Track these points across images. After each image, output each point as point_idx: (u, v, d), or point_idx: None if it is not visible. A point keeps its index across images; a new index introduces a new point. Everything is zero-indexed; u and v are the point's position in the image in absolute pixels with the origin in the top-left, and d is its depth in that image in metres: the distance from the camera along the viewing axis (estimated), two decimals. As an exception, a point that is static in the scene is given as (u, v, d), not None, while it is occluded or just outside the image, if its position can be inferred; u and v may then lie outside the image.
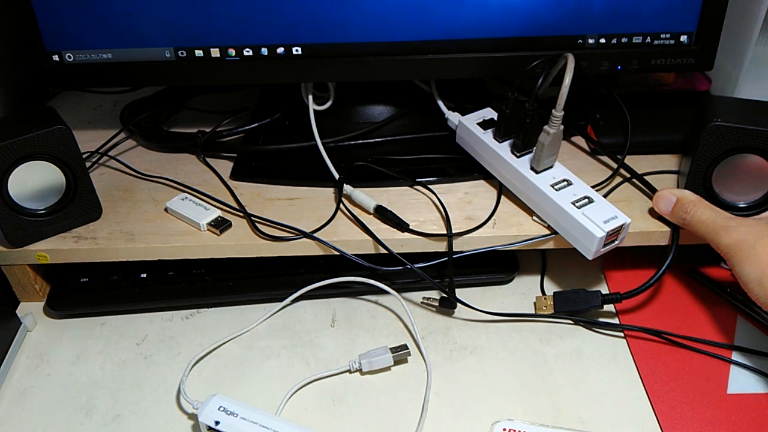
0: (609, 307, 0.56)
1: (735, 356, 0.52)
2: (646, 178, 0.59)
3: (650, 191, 0.58)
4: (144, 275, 0.58)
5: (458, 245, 0.55)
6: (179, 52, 0.58)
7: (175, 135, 0.67)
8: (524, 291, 0.59)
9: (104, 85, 0.59)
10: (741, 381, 0.50)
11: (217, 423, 0.45)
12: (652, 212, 0.56)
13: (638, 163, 0.61)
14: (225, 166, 0.63)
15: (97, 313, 0.57)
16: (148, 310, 0.58)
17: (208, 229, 0.56)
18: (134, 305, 0.58)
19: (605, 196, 0.57)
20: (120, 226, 0.56)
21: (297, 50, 0.58)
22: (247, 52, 0.58)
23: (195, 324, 0.57)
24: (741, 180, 0.52)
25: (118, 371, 0.53)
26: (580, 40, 0.58)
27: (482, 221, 0.56)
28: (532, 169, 0.55)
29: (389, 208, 0.56)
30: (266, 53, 0.58)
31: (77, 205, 0.55)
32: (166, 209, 0.58)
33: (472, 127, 0.59)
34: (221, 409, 0.46)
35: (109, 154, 0.65)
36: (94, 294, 0.57)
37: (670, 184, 0.59)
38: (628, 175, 0.60)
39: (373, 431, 0.48)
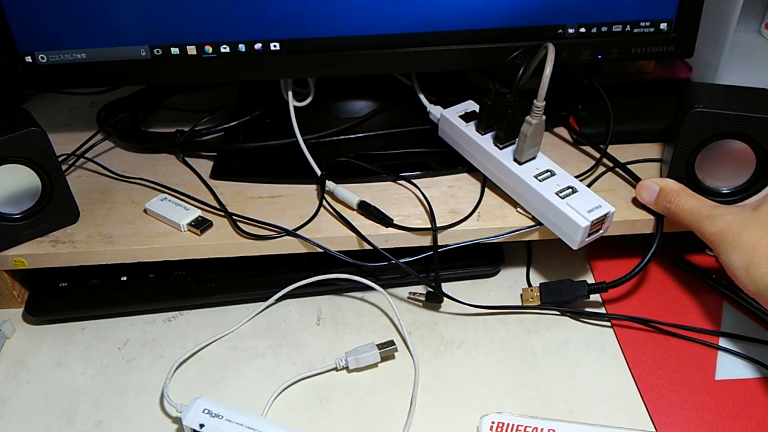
0: (595, 297, 0.56)
1: (722, 342, 0.52)
2: (629, 167, 0.59)
3: (634, 180, 0.57)
4: (124, 278, 0.57)
5: (443, 239, 0.54)
6: (155, 51, 0.57)
7: (153, 135, 0.66)
8: (510, 283, 0.59)
9: (79, 85, 0.58)
10: (729, 367, 0.50)
11: (201, 426, 0.44)
12: (636, 201, 0.56)
13: (621, 152, 0.61)
14: (205, 166, 0.62)
15: (78, 318, 0.56)
16: (129, 313, 0.57)
17: (189, 230, 0.55)
18: (115, 309, 0.56)
19: (589, 186, 0.57)
20: (98, 229, 0.55)
21: (275, 46, 0.57)
22: (224, 48, 0.57)
23: (177, 326, 0.56)
24: (724, 166, 0.52)
25: (99, 377, 0.52)
26: (560, 30, 0.57)
27: (466, 214, 0.55)
28: (515, 160, 0.54)
29: (373, 204, 0.55)
30: (244, 50, 0.57)
31: (54, 208, 0.54)
32: (145, 210, 0.57)
33: (454, 120, 0.58)
34: (206, 411, 0.45)
35: (86, 156, 0.64)
36: (74, 299, 0.56)
37: (653, 172, 0.59)
38: (611, 165, 0.60)
39: (361, 430, 0.47)
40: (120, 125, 0.66)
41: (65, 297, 0.56)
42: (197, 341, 0.54)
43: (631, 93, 0.67)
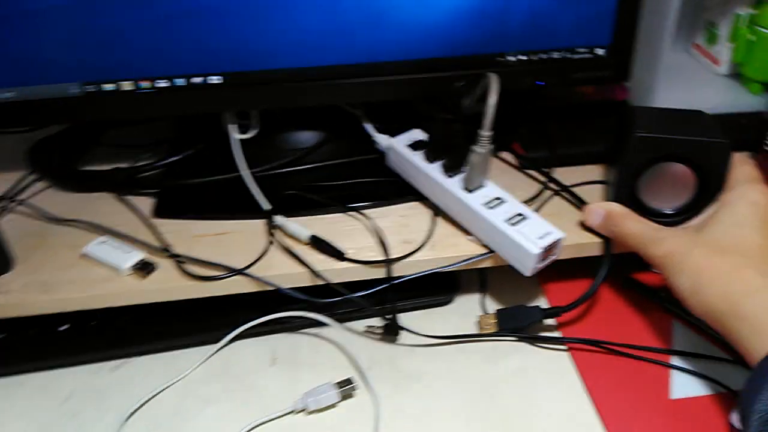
0: (551, 321, 0.57)
1: (674, 360, 0.53)
2: (574, 189, 0.60)
3: (579, 203, 0.58)
4: (64, 327, 0.54)
5: (397, 270, 0.54)
6: (87, 87, 0.54)
7: (90, 174, 0.63)
8: (466, 311, 0.58)
9: (7, 126, 0.55)
10: (682, 385, 0.51)
11: None
12: (583, 224, 0.56)
13: (566, 175, 0.62)
14: (146, 204, 0.60)
15: (15, 373, 0.53)
16: (71, 364, 0.54)
17: (131, 274, 0.52)
18: (56, 360, 0.53)
19: (537, 210, 0.58)
20: (35, 277, 0.52)
21: (215, 79, 0.55)
22: (162, 83, 0.55)
23: (124, 375, 0.53)
24: (666, 187, 0.54)
25: (41, 435, 0.49)
26: (500, 58, 0.58)
27: (420, 244, 0.55)
28: (464, 189, 0.54)
29: (324, 238, 0.54)
30: (182, 84, 0.55)
31: (-16, 258, 0.51)
32: (83, 255, 0.54)
33: (402, 149, 0.58)
34: None
35: (18, 198, 0.60)
36: (11, 351, 0.53)
37: (597, 194, 0.60)
38: (557, 188, 0.61)
39: (323, 474, 0.46)
40: (53, 164, 0.63)
41: (1, 350, 0.52)
42: (146, 390, 0.51)
43: (572, 115, 0.68)
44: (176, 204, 0.59)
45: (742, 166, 0.52)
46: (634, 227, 0.52)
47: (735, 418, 0.47)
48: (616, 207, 0.53)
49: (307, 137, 0.64)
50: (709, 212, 0.52)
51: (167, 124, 0.70)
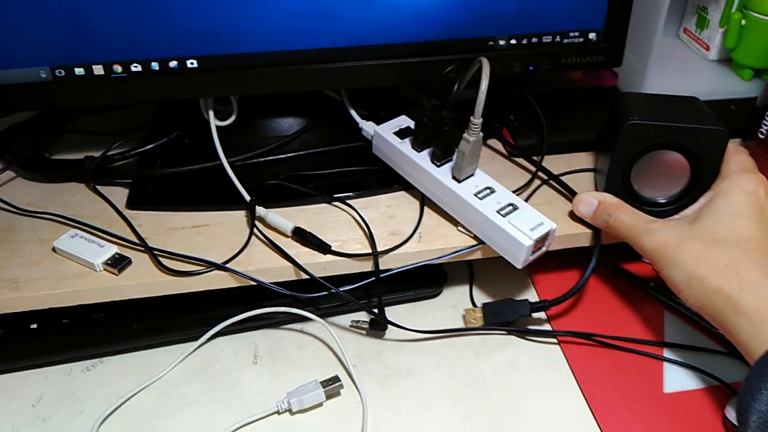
0: (540, 314, 0.55)
1: (667, 353, 0.52)
2: (563, 178, 0.58)
3: (569, 192, 0.57)
4: (35, 326, 0.51)
5: (384, 263, 0.52)
6: (57, 72, 0.51)
7: (60, 163, 0.60)
8: (454, 304, 0.57)
9: (-29, 112, 0.52)
10: (676, 378, 0.50)
11: None
12: (574, 214, 0.55)
13: (555, 163, 0.60)
14: (119, 194, 0.57)
15: (-19, 375, 0.50)
16: (42, 364, 0.51)
17: (105, 269, 0.50)
18: (26, 361, 0.51)
19: (527, 200, 0.56)
20: (2, 273, 0.49)
21: (192, 63, 0.53)
22: (136, 67, 0.52)
23: (98, 375, 0.51)
24: (659, 176, 0.52)
25: (11, 441, 0.46)
26: (491, 42, 0.56)
27: (407, 236, 0.53)
28: (453, 178, 0.53)
29: (308, 229, 0.52)
30: (157, 68, 0.52)
31: (-54, 254, 0.48)
32: (54, 249, 0.51)
33: (388, 137, 0.56)
34: None
35: (-17, 189, 0.57)
36: (-24, 353, 0.50)
37: (587, 182, 0.59)
38: (546, 177, 0.59)
39: (309, 477, 0.44)
40: (21, 153, 0.60)
41: (-35, 352, 0.50)
42: (122, 391, 0.49)
43: (561, 102, 0.66)
44: (152, 195, 0.56)
45: (736, 155, 0.51)
46: (626, 217, 0.50)
47: (730, 412, 0.46)
48: (609, 197, 0.52)
49: (289, 124, 0.62)
50: (703, 202, 0.51)
51: (142, 110, 0.67)
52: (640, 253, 0.49)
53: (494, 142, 0.64)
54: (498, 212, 0.50)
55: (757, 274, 0.43)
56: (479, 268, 0.59)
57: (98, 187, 0.57)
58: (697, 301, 0.45)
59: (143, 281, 0.49)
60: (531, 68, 0.57)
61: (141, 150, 0.59)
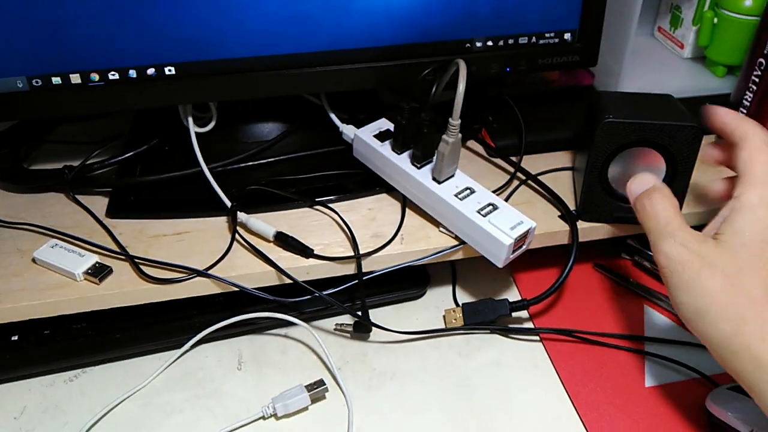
0: (522, 312, 0.56)
1: (648, 347, 0.53)
2: (541, 177, 0.59)
3: (546, 192, 0.57)
4: (15, 337, 0.51)
5: (367, 265, 0.52)
6: (33, 81, 0.51)
7: (39, 173, 0.59)
8: (437, 304, 0.57)
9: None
10: (656, 372, 0.51)
11: None
12: (552, 212, 0.56)
13: (533, 162, 0.61)
14: (99, 204, 0.57)
15: (-38, 388, 0.50)
16: (24, 376, 0.51)
17: (86, 279, 0.49)
18: (7, 373, 0.50)
19: (506, 200, 0.56)
20: (-20, 285, 0.49)
21: (170, 70, 0.53)
22: (113, 75, 0.52)
23: (81, 386, 0.50)
24: (635, 173, 0.53)
25: (-7, 454, 0.46)
26: (468, 44, 0.57)
27: (389, 238, 0.53)
28: (433, 179, 0.53)
29: (290, 234, 0.52)
30: (135, 75, 0.52)
31: None
32: (33, 260, 0.51)
33: (368, 140, 0.56)
34: None
35: (-40, 201, 0.57)
36: (-44, 366, 0.49)
37: (565, 181, 0.59)
38: (525, 177, 0.59)
39: (296, 481, 0.44)
40: (-2, 163, 0.59)
41: (-55, 365, 0.49)
42: (105, 401, 0.49)
43: (538, 102, 0.67)
44: (132, 203, 0.56)
45: (760, 155, 0.43)
46: (659, 207, 0.44)
47: (710, 404, 0.47)
48: (661, 184, 0.47)
49: (269, 129, 0.62)
50: (725, 214, 0.43)
51: (121, 118, 0.66)
52: (653, 254, 0.44)
53: (473, 144, 0.64)
54: (478, 212, 0.51)
55: None
56: (462, 269, 0.60)
57: (78, 197, 0.57)
58: (705, 336, 0.40)
59: (124, 290, 0.49)
60: (508, 69, 0.58)
61: (120, 158, 0.58)
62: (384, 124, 0.58)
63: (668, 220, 0.43)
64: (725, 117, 0.47)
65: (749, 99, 0.60)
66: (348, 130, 0.58)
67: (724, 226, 0.42)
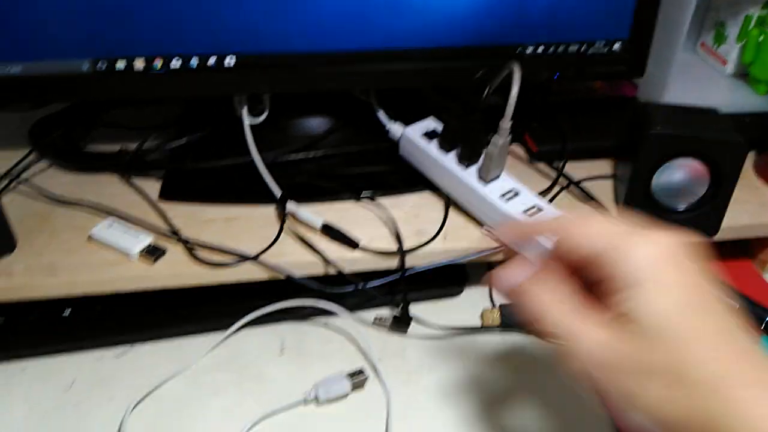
0: (559, 315, 0.56)
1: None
2: (583, 185, 0.60)
3: (588, 198, 0.58)
4: (68, 312, 0.52)
5: (409, 260, 0.53)
6: (98, 65, 0.53)
7: (95, 154, 0.61)
8: (474, 304, 0.58)
9: (12, 102, 0.53)
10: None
11: None
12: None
13: (574, 168, 0.62)
14: (151, 187, 0.58)
15: (17, 357, 0.51)
16: (74, 350, 0.52)
17: (141, 258, 0.51)
18: (58, 346, 0.52)
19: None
20: (39, 259, 0.51)
21: (230, 60, 0.54)
22: (176, 63, 0.54)
23: (129, 362, 0.52)
24: (679, 184, 0.54)
25: (45, 422, 0.47)
26: (519, 49, 0.58)
27: (432, 235, 0.54)
28: (480, 179, 0.54)
29: (335, 225, 0.54)
30: (196, 64, 0.54)
31: (-13, 237, 0.49)
32: (90, 237, 0.52)
33: (416, 138, 0.57)
34: None
35: (20, 177, 0.59)
36: (12, 336, 0.51)
37: (606, 189, 0.60)
38: (567, 182, 0.60)
39: (336, 465, 0.45)
40: (56, 144, 0.61)
41: (1, 335, 0.51)
42: (152, 378, 0.50)
43: (581, 110, 0.68)
44: (185, 187, 0.58)
45: (611, 226, 0.34)
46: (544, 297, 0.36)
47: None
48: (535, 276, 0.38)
49: (318, 124, 0.63)
50: (619, 299, 0.33)
51: (174, 106, 0.68)
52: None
53: (516, 147, 0.65)
54: (523, 213, 0.52)
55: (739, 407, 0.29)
56: (499, 270, 0.61)
57: (131, 179, 0.59)
58: None
59: (177, 271, 0.51)
60: (556, 76, 0.59)
61: (174, 144, 0.60)
62: (431, 123, 0.59)
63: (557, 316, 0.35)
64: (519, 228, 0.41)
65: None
66: (395, 128, 0.60)
67: (622, 315, 0.33)
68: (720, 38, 0.74)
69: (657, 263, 0.32)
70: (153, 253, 0.51)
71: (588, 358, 0.33)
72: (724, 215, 0.55)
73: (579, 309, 0.35)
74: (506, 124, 0.51)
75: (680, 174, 0.53)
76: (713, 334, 0.31)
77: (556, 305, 0.36)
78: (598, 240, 0.34)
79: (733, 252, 0.63)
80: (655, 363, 0.31)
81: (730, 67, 0.74)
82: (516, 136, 0.64)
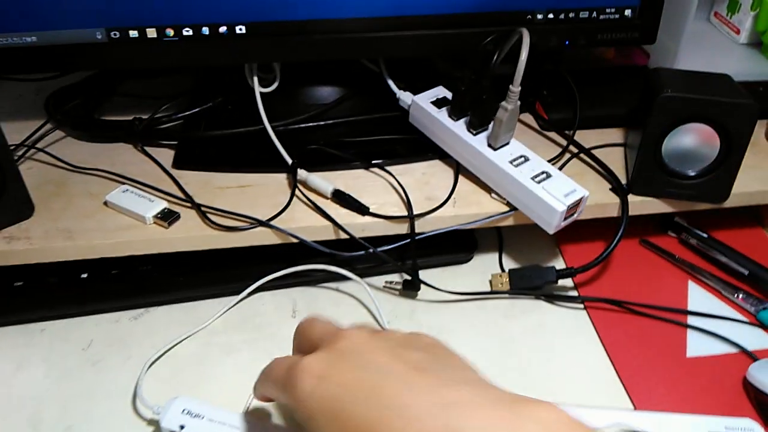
0: (567, 281, 0.57)
1: (690, 320, 0.54)
2: (594, 152, 0.60)
3: (599, 166, 0.59)
4: (85, 275, 0.54)
5: (419, 226, 0.54)
6: (112, 33, 0.54)
7: (110, 123, 0.62)
8: (483, 269, 0.59)
9: (29, 71, 0.54)
10: (698, 344, 0.52)
11: (182, 427, 0.42)
12: (604, 185, 0.57)
13: (585, 137, 0.62)
14: (165, 155, 0.59)
15: (36, 319, 0.53)
16: (91, 312, 0.54)
17: (155, 222, 0.52)
18: (76, 308, 0.54)
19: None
20: (56, 224, 0.52)
21: (241, 29, 0.55)
22: (187, 32, 0.54)
23: (145, 324, 0.53)
24: (689, 149, 0.54)
25: (64, 379, 0.49)
26: (529, 16, 0.58)
27: (442, 201, 0.55)
28: (489, 146, 0.54)
29: (347, 192, 0.54)
30: (208, 33, 0.55)
31: (7, 202, 0.50)
32: (105, 203, 0.54)
33: (426, 106, 0.57)
34: (185, 412, 0.43)
35: (37, 146, 0.60)
36: (31, 299, 0.52)
37: (617, 156, 0.60)
38: (577, 150, 0.61)
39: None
40: (72, 113, 0.62)
41: (21, 297, 0.52)
42: (167, 339, 0.51)
43: (593, 79, 0.68)
44: (197, 155, 0.59)
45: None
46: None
47: (751, 375, 0.48)
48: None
49: (328, 93, 0.64)
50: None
51: (184, 76, 0.69)
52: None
53: (527, 117, 0.65)
54: (532, 179, 0.52)
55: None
56: (508, 237, 0.61)
57: (145, 148, 0.60)
58: None
59: (191, 235, 0.52)
60: (567, 42, 0.59)
61: (187, 114, 0.61)
62: (441, 91, 0.59)
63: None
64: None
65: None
66: (405, 97, 0.60)
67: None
68: (733, 7, 0.74)
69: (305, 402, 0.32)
70: (167, 217, 0.52)
71: None
72: (734, 180, 0.54)
73: None
74: (516, 88, 0.51)
75: (690, 139, 0.53)
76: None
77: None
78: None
79: (744, 220, 0.63)
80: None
81: (744, 36, 0.73)
82: (527, 105, 0.65)
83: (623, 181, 0.57)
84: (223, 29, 0.55)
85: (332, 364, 0.32)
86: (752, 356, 0.51)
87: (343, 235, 0.53)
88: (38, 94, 0.67)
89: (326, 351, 0.34)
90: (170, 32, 0.54)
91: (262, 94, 0.60)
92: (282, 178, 0.57)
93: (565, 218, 0.52)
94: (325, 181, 0.55)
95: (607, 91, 0.66)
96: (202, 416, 0.43)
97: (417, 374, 0.31)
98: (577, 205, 0.52)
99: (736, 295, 0.55)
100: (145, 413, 0.46)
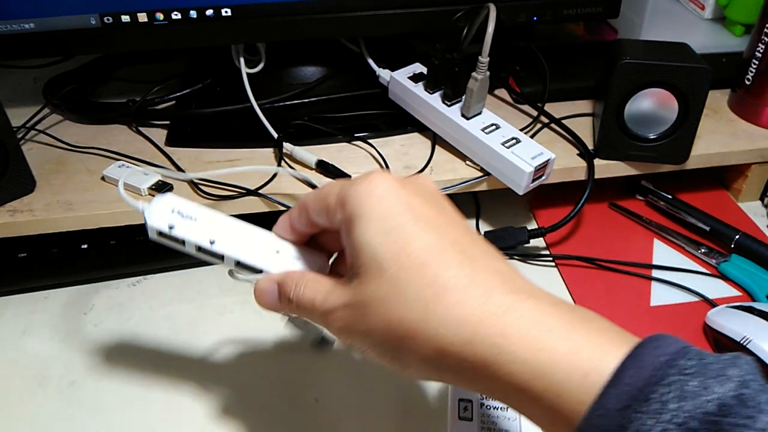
0: (540, 241, 0.61)
1: (655, 273, 0.57)
2: (564, 121, 0.63)
3: (568, 134, 0.62)
4: (85, 246, 0.57)
5: (398, 193, 0.57)
6: (105, 19, 0.57)
7: (104, 105, 0.66)
8: (462, 234, 0.62)
9: (28, 57, 0.57)
10: (661, 294, 0.55)
11: (171, 227, 0.37)
12: (572, 151, 0.60)
13: (556, 108, 0.65)
14: (159, 135, 0.63)
15: (39, 288, 0.56)
16: (91, 280, 0.57)
17: (150, 194, 0.55)
18: (77, 277, 0.57)
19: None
20: (57, 197, 0.55)
21: (226, 11, 0.58)
22: (176, 15, 0.58)
23: (143, 290, 0.57)
24: (649, 113, 0.57)
25: (68, 340, 0.52)
26: (498, -6, 0.61)
27: (419, 169, 0.58)
28: (462, 116, 0.58)
29: (329, 162, 0.58)
30: (195, 16, 0.58)
31: (10, 178, 0.54)
32: (103, 177, 0.57)
33: (403, 81, 0.61)
34: (176, 212, 0.37)
35: (36, 129, 0.63)
36: (34, 269, 0.56)
37: (586, 125, 0.64)
38: (548, 121, 0.64)
39: (332, 370, 0.50)
40: (68, 98, 0.66)
41: (25, 267, 0.56)
42: (165, 302, 0.55)
43: (564, 55, 0.71)
44: (189, 133, 0.62)
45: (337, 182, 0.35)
46: (307, 294, 0.35)
47: (711, 320, 0.51)
48: (289, 274, 0.38)
49: (312, 72, 0.67)
50: (344, 244, 0.34)
51: (176, 62, 0.72)
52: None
53: (502, 93, 0.69)
54: (502, 144, 0.56)
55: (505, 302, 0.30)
56: (484, 203, 0.65)
57: (139, 128, 0.63)
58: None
59: (184, 204, 0.55)
60: (535, 18, 0.62)
61: (177, 95, 0.64)
62: (417, 67, 0.63)
63: (314, 300, 0.35)
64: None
65: (760, 52, 0.63)
66: (384, 73, 0.63)
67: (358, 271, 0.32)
68: (698, -16, 0.77)
69: (369, 198, 0.32)
70: (161, 188, 0.55)
71: (331, 320, 0.33)
72: (692, 142, 0.58)
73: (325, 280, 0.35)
74: (484, 59, 0.54)
75: (650, 103, 0.57)
76: (430, 249, 0.31)
77: (305, 287, 0.36)
78: (328, 194, 0.34)
79: (709, 184, 0.67)
80: (371, 293, 0.31)
81: (708, 12, 0.77)
82: (501, 80, 0.68)
83: (590, 147, 0.61)
84: (209, 12, 0.58)
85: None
86: (712, 303, 0.54)
87: (327, 202, 0.56)
88: (36, 83, 0.70)
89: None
90: (160, 16, 0.58)
91: (248, 74, 0.63)
92: (269, 152, 0.60)
93: (533, 180, 0.55)
94: (310, 153, 0.58)
95: (576, 66, 0.70)
96: (194, 219, 0.38)
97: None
98: (544, 167, 0.55)
99: (699, 250, 0.59)
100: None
